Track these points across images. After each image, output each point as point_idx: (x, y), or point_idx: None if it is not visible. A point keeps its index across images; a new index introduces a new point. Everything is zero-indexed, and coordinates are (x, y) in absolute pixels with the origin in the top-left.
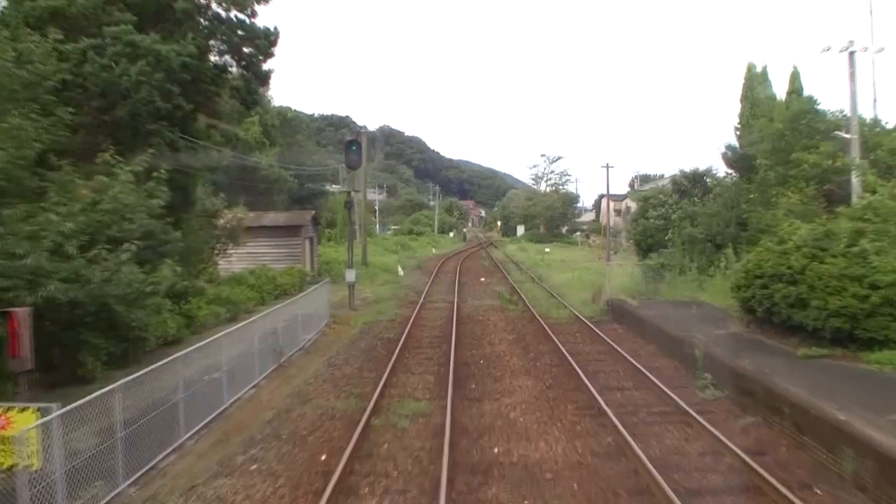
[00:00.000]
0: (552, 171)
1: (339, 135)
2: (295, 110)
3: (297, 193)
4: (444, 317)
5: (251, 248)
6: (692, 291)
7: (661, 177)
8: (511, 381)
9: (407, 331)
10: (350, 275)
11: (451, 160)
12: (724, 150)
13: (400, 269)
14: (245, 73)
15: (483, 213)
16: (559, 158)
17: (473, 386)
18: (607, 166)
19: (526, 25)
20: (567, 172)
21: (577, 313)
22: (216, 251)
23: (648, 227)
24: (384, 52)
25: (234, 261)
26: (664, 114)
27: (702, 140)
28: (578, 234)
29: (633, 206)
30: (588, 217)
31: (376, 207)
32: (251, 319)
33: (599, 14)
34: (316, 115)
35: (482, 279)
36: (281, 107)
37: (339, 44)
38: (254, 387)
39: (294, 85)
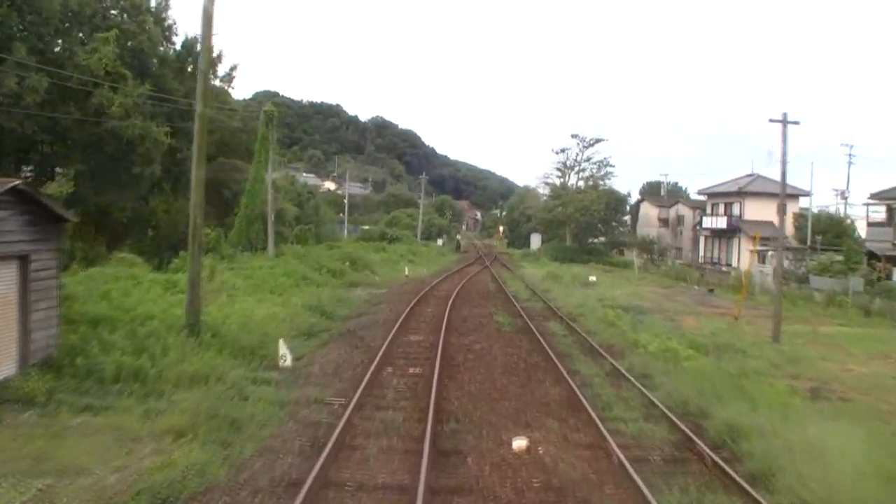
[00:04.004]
0: (587, 159)
1: (328, 123)
2: (285, 97)
3: (186, 166)
4: None
5: None
6: None
7: (676, 185)
8: None
9: None
10: None
11: (446, 157)
12: None
13: (283, 349)
14: None
15: (479, 216)
16: (599, 141)
17: None
18: (784, 120)
19: (530, 22)
20: (609, 161)
21: None
22: None
23: None
24: (380, 39)
25: None
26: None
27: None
28: (634, 251)
29: (687, 213)
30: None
31: (346, 201)
32: None
33: (603, 12)
34: (304, 101)
35: (515, 442)
36: (188, 37)
37: (332, 27)
38: None
39: (281, 68)
